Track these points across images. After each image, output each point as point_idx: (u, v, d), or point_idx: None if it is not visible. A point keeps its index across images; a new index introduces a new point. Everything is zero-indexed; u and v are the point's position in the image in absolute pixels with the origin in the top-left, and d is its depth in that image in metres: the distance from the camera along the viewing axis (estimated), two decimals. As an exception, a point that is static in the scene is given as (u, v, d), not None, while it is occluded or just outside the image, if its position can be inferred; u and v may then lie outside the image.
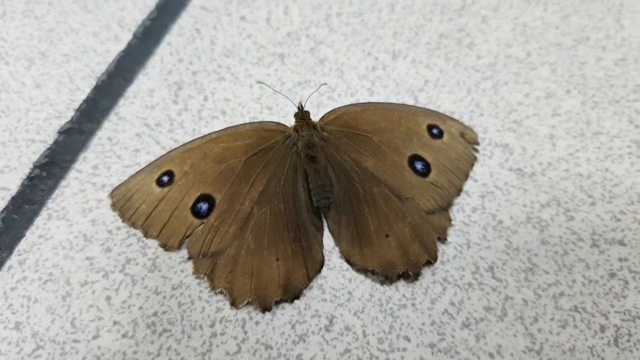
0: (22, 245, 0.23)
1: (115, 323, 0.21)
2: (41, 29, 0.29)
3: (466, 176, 0.25)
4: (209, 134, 0.24)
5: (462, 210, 0.24)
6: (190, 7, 0.31)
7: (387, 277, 0.22)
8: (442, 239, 0.23)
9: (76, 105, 0.27)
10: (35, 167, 0.25)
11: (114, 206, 0.23)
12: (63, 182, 0.25)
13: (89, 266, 0.23)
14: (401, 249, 0.23)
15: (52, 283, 0.22)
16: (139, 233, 0.23)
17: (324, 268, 0.23)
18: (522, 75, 0.29)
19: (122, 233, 0.23)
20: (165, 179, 0.23)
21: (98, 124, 0.27)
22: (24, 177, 0.25)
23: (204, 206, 0.23)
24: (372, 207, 0.23)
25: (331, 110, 0.25)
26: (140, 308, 0.22)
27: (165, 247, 0.23)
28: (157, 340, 0.21)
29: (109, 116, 0.27)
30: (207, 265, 0.22)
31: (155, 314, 0.21)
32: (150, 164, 0.23)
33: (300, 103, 0.25)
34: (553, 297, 0.22)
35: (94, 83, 0.28)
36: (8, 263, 0.23)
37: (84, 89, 0.27)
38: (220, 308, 0.22)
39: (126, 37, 0.30)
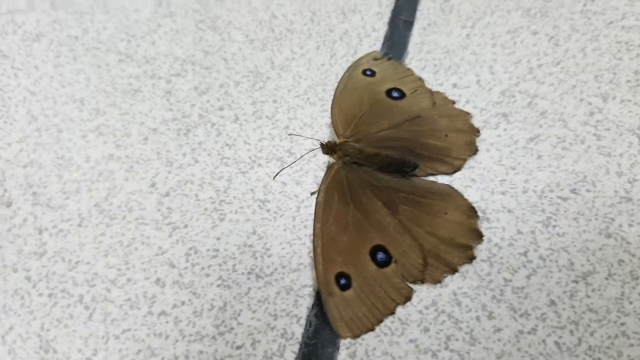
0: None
1: (462, 399, 0.23)
2: (277, 128, 0.31)
3: (409, 69, 0.33)
4: (314, 226, 0.25)
5: None
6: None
7: (475, 152, 0.29)
8: (453, 102, 0.32)
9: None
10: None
11: (355, 336, 0.24)
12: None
13: (415, 348, 0.24)
14: (457, 132, 0.29)
15: (388, 370, 0.24)
16: (447, 309, 0.25)
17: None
18: None
19: (431, 312, 0.25)
20: (342, 281, 0.25)
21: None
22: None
23: (381, 255, 0.25)
24: (420, 133, 0.29)
25: (333, 126, 0.29)
26: (480, 382, 0.23)
27: (410, 298, 0.25)
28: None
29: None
30: (435, 269, 0.26)
31: (494, 385, 0.23)
32: (314, 292, 0.26)
33: (319, 142, 0.29)
34: None
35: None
36: (339, 358, 0.25)
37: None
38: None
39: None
